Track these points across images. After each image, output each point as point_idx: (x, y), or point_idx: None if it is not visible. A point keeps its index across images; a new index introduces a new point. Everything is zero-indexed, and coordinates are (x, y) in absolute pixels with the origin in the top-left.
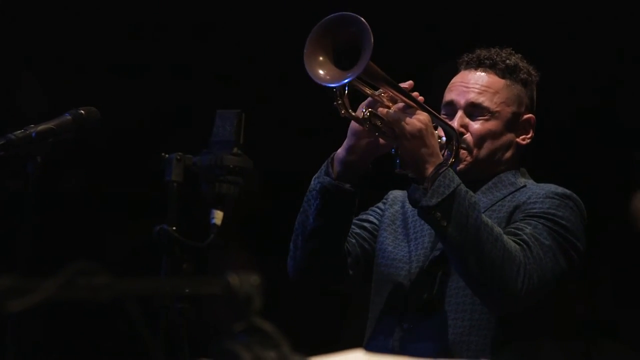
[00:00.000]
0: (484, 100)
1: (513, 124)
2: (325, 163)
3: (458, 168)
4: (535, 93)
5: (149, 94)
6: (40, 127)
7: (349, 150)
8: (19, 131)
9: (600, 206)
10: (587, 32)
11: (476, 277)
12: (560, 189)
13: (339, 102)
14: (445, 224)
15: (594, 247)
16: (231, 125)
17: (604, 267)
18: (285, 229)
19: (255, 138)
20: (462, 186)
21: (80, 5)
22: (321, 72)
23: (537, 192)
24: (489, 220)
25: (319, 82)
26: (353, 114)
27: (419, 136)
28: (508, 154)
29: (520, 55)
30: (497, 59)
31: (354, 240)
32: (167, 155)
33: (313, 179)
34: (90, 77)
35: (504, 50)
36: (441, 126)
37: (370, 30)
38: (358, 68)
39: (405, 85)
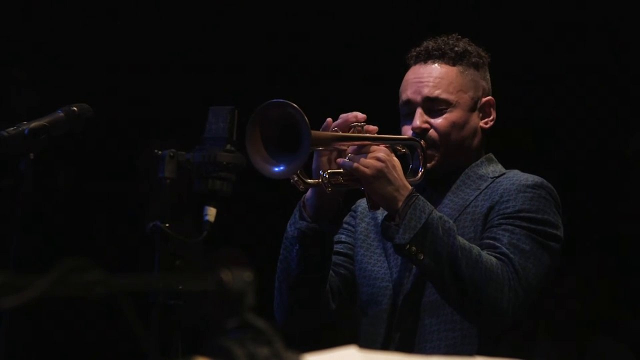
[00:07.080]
0: (440, 93)
1: (474, 110)
2: (297, 207)
3: (429, 166)
4: (488, 74)
5: (143, 91)
6: (33, 124)
7: (317, 193)
8: (12, 128)
9: (596, 202)
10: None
11: (460, 303)
12: (530, 180)
13: (295, 179)
14: (422, 257)
15: (589, 243)
16: (224, 121)
17: (599, 263)
18: (279, 225)
19: None
20: (435, 213)
21: (73, 2)
22: (275, 169)
23: (509, 187)
24: (466, 243)
25: (275, 177)
26: (312, 182)
27: (381, 176)
28: (476, 141)
29: (467, 39)
30: (445, 47)
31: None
32: (160, 152)
33: (288, 225)
34: (83, 74)
35: (450, 38)
36: (401, 144)
37: (294, 105)
38: (305, 146)
39: (350, 117)
